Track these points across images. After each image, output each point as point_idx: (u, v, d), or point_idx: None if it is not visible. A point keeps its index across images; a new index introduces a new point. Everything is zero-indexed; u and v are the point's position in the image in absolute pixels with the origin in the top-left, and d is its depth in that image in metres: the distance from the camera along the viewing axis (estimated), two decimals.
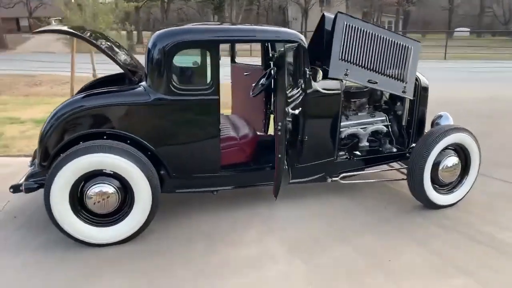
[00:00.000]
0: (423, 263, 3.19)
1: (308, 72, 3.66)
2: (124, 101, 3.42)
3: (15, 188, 3.44)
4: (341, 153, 4.20)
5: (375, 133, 4.43)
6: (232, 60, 5.02)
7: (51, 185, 3.17)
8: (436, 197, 3.96)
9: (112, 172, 3.27)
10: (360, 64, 3.98)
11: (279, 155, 3.22)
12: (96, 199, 3.27)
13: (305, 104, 3.73)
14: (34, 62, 19.41)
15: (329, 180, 4.11)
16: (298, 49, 3.62)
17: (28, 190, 3.44)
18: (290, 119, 3.35)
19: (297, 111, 3.33)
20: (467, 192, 4.12)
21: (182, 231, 3.65)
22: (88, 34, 3.91)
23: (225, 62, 4.45)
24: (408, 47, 4.15)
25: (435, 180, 3.95)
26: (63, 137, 3.41)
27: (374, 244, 3.45)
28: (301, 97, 3.64)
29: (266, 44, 4.60)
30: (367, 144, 4.38)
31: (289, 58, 3.53)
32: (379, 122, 4.40)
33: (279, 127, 3.13)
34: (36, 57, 20.87)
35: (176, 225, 3.75)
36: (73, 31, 3.78)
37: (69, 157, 3.19)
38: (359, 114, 4.40)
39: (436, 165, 3.89)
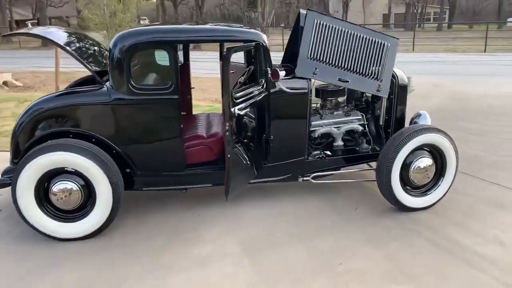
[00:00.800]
0: (374, 268, 3.12)
1: (269, 72, 3.65)
2: (86, 101, 3.56)
3: None
4: (314, 152, 4.16)
5: (351, 133, 4.34)
6: (221, 57, 5.06)
7: (16, 181, 3.36)
8: (407, 199, 3.84)
9: (73, 170, 3.42)
10: (330, 62, 3.91)
11: (228, 155, 3.24)
12: (59, 196, 3.43)
13: (270, 104, 3.74)
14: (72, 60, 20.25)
15: (300, 179, 4.08)
16: (258, 48, 3.62)
17: (2, 185, 3.65)
18: (244, 119, 3.36)
19: (243, 112, 3.32)
20: (443, 195, 3.96)
21: (147, 228, 3.76)
22: (64, 35, 4.06)
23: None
24: (383, 44, 4.04)
25: (406, 182, 3.83)
26: (32, 135, 3.59)
27: (330, 246, 3.41)
28: (261, 96, 3.63)
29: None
30: (342, 143, 4.30)
31: (249, 58, 3.54)
32: (354, 121, 4.31)
33: (226, 127, 3.15)
34: None
35: (143, 221, 3.86)
36: (39, 34, 3.93)
37: (33, 155, 3.36)
38: (334, 113, 4.33)
39: (406, 166, 3.77)
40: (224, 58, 3.07)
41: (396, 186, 3.76)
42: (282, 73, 3.62)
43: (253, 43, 3.58)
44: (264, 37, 3.72)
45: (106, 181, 3.43)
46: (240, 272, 3.12)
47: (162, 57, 3.72)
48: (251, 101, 3.49)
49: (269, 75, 3.64)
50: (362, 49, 3.98)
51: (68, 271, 3.15)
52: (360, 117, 4.34)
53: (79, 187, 3.45)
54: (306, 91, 3.87)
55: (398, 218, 3.82)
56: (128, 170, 3.70)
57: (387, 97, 4.20)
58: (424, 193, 3.93)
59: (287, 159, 4.00)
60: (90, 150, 3.40)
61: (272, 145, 3.86)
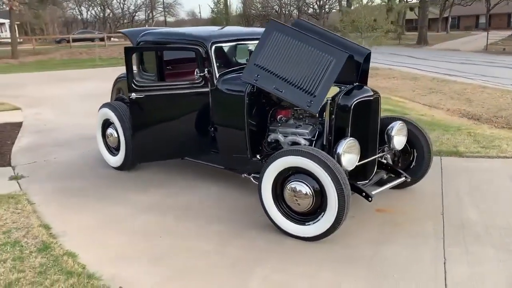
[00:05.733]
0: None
1: (205, 73, 4.29)
2: None
3: None
4: (259, 155, 4.36)
5: (295, 144, 4.17)
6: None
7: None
8: (283, 222, 3.65)
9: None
10: (271, 71, 4.05)
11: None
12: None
13: (210, 99, 4.39)
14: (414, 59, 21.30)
15: (243, 175, 4.45)
16: (197, 51, 4.31)
17: None
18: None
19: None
20: (325, 233, 3.46)
21: None
22: None
23: None
24: (328, 59, 3.76)
25: (283, 204, 3.66)
26: None
27: (172, 245, 3.63)
28: (193, 90, 4.35)
29: None
30: None
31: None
32: (300, 135, 4.12)
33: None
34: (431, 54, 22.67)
35: None
36: None
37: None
38: (289, 122, 4.27)
39: (279, 188, 3.67)
40: (125, 54, 4.12)
41: (271, 208, 3.70)
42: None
43: (194, 48, 4.33)
44: (207, 42, 4.33)
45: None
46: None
47: None
48: (170, 92, 4.31)
49: (207, 75, 4.30)
50: (305, 63, 3.86)
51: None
52: (306, 132, 4.09)
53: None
54: (242, 94, 4.18)
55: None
56: None
57: (316, 114, 3.86)
58: (302, 222, 3.58)
59: (230, 153, 4.46)
60: None
61: (216, 136, 4.47)
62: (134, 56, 5.01)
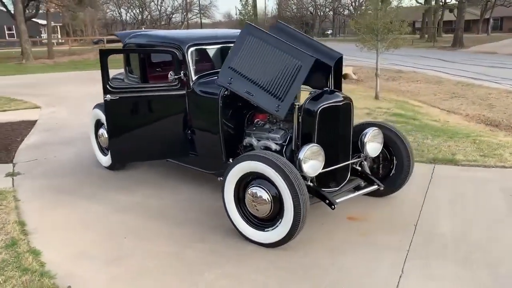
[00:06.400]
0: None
1: (181, 75, 4.31)
2: None
3: None
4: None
5: (267, 149, 4.11)
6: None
7: None
8: (244, 228, 3.62)
9: None
10: (244, 75, 4.03)
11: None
12: None
13: (187, 102, 4.41)
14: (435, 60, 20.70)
15: (219, 178, 4.43)
16: (173, 54, 4.34)
17: None
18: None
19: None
20: (282, 240, 3.41)
21: None
22: None
23: None
24: (296, 64, 3.71)
25: (245, 209, 3.63)
26: None
27: (134, 246, 3.66)
28: (170, 92, 4.38)
29: None
30: None
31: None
32: (272, 140, 4.06)
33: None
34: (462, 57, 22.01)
35: None
36: None
37: None
38: (264, 126, 4.23)
39: (242, 193, 3.65)
40: (100, 57, 4.17)
41: (234, 213, 3.69)
42: None
43: (171, 50, 4.38)
44: (185, 47, 4.35)
45: None
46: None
47: None
48: (145, 94, 4.37)
49: (182, 78, 4.32)
50: (275, 67, 3.82)
51: None
52: (279, 136, 4.03)
53: None
54: (216, 97, 4.18)
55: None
56: None
57: (282, 118, 3.81)
58: (261, 228, 3.54)
59: (207, 156, 4.47)
60: None
61: (194, 139, 4.48)
62: (124, 58, 5.13)
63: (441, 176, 5.00)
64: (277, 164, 3.32)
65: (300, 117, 3.75)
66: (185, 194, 4.70)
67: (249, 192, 3.53)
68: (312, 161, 3.57)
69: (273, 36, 3.95)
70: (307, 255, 3.45)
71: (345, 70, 16.52)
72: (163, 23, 68.41)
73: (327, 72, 4.06)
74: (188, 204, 4.46)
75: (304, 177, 3.57)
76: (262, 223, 3.56)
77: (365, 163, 4.17)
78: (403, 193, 4.44)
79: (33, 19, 31.51)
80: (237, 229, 3.68)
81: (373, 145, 4.03)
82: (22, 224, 4.06)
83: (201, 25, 64.52)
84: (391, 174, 4.30)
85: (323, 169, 3.70)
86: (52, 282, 3.12)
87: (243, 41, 4.05)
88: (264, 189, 3.44)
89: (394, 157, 4.25)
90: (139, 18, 69.10)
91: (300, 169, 3.49)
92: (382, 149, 4.22)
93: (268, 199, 3.42)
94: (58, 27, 52.41)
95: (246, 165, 3.51)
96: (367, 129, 4.04)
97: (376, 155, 4.10)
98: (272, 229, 3.47)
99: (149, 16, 68.79)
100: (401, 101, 11.26)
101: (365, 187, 4.05)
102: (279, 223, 3.41)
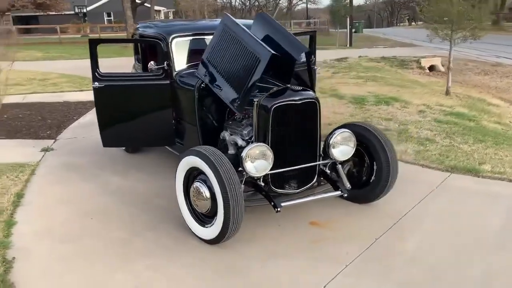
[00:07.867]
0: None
1: (164, 65, 4.38)
2: None
3: None
4: None
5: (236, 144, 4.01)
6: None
7: None
8: (189, 220, 3.63)
9: None
10: (216, 67, 3.99)
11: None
12: None
13: (171, 92, 4.49)
14: None
15: None
16: (158, 45, 4.41)
17: None
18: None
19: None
20: (216, 238, 3.35)
21: None
22: None
23: None
24: (256, 58, 3.58)
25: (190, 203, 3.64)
26: None
27: (93, 228, 3.87)
28: (155, 81, 4.47)
29: None
30: (233, 151, 4.09)
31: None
32: (239, 134, 3.95)
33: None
34: None
35: None
36: None
37: None
38: (242, 121, 4.09)
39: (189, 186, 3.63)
40: (89, 46, 4.36)
41: (184, 210, 3.70)
42: None
43: (156, 41, 4.48)
44: (169, 38, 4.38)
45: None
46: None
47: None
48: (129, 82, 4.52)
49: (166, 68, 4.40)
50: (241, 61, 3.74)
51: None
52: (246, 132, 3.90)
53: None
54: (192, 88, 4.19)
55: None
56: None
57: (240, 114, 3.67)
58: (202, 223, 3.51)
59: (189, 146, 4.49)
60: None
61: (178, 129, 4.56)
62: (134, 48, 5.37)
63: (448, 188, 4.46)
64: (211, 160, 3.26)
65: (257, 113, 3.62)
66: (172, 181, 4.79)
67: (193, 186, 3.52)
68: (257, 160, 3.43)
69: (243, 28, 3.83)
70: (242, 256, 3.35)
71: (433, 61, 15.28)
72: (270, 9, 69.00)
73: (291, 67, 3.84)
74: (169, 191, 4.54)
75: (253, 177, 3.47)
76: (204, 219, 3.53)
77: (339, 166, 3.89)
78: (391, 202, 4.07)
79: (145, 4, 33.54)
80: (184, 220, 3.69)
81: (340, 148, 3.74)
82: (19, 196, 4.50)
83: (307, 11, 63.87)
84: (371, 181, 3.96)
85: (276, 169, 3.54)
86: (2, 253, 3.43)
87: (219, 33, 4.01)
88: (205, 185, 3.40)
89: (374, 162, 3.90)
90: (247, 4, 70.59)
91: (243, 168, 3.39)
92: (362, 153, 3.91)
93: (207, 196, 3.38)
94: (171, 12, 55.45)
95: (190, 159, 3.50)
96: (335, 131, 3.76)
97: (345, 159, 3.80)
98: (210, 226, 3.43)
99: (256, 2, 69.90)
100: (477, 98, 10.12)
101: (329, 191, 3.79)
102: (215, 221, 3.36)
